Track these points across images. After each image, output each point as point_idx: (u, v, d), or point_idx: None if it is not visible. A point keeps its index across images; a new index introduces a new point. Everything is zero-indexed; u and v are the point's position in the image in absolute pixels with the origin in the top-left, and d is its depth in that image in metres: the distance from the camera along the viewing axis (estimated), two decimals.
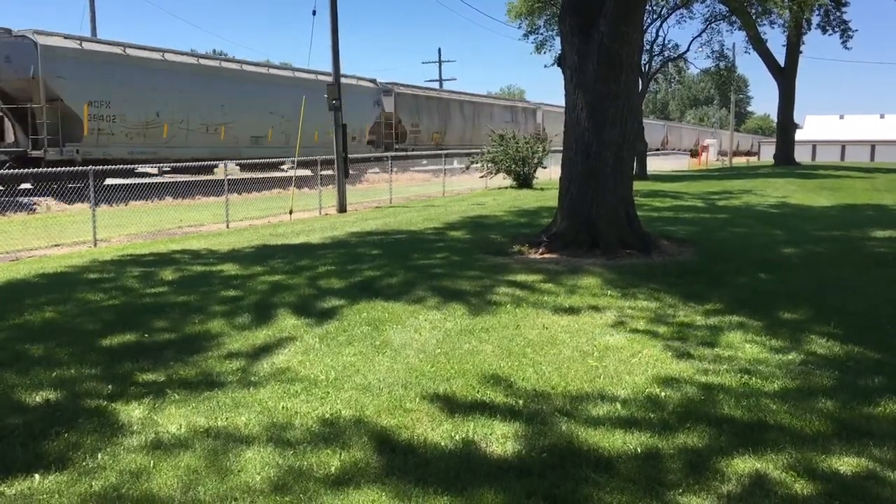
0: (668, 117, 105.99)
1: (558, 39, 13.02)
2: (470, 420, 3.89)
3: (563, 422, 3.86)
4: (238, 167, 23.70)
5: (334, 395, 4.30)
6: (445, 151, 26.86)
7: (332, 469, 3.35)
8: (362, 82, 30.38)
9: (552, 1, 30.26)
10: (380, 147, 30.25)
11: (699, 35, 34.40)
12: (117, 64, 20.11)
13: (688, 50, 33.91)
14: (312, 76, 27.04)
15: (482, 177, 24.32)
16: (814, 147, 70.58)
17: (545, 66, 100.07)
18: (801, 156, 52.42)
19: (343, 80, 28.19)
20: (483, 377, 4.58)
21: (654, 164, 35.97)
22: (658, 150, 50.02)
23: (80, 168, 13.24)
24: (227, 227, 13.59)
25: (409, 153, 30.67)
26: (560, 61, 10.08)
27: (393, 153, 25.59)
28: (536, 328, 5.75)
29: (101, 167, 13.23)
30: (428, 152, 30.63)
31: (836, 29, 39.04)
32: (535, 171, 24.39)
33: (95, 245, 11.17)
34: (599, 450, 3.53)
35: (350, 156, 23.44)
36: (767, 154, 59.66)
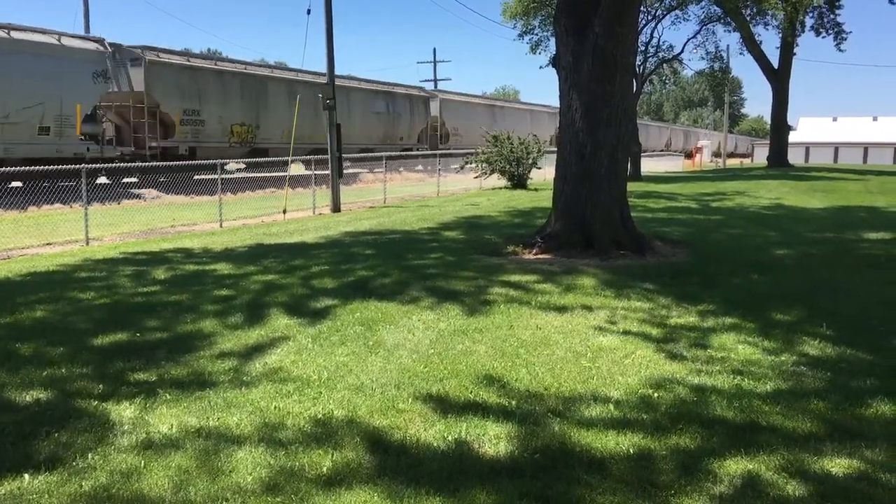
0: (663, 118, 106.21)
1: (553, 40, 13.04)
2: (463, 421, 3.88)
3: (555, 423, 3.86)
4: None
5: (327, 395, 4.29)
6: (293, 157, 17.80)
7: (324, 469, 3.34)
8: (72, 41, 19.35)
9: (547, 1, 30.28)
10: (118, 146, 20.14)
11: (694, 36, 34.45)
12: None
13: (682, 51, 34.03)
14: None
15: (476, 177, 24.35)
16: (807, 149, 70.82)
17: (540, 67, 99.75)
18: (795, 158, 52.59)
19: (37, 38, 17.98)
20: (476, 378, 4.57)
21: (648, 166, 36.07)
22: None
23: (74, 167, 12.79)
24: (221, 226, 13.55)
25: (188, 163, 17.83)
26: (555, 62, 10.09)
27: (147, 163, 17.04)
28: (530, 329, 5.75)
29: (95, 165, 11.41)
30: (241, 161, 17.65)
31: (830, 31, 39.11)
32: (529, 171, 24.41)
33: (88, 244, 11.12)
34: (592, 451, 3.53)
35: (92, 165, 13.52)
36: (761, 156, 59.87)
